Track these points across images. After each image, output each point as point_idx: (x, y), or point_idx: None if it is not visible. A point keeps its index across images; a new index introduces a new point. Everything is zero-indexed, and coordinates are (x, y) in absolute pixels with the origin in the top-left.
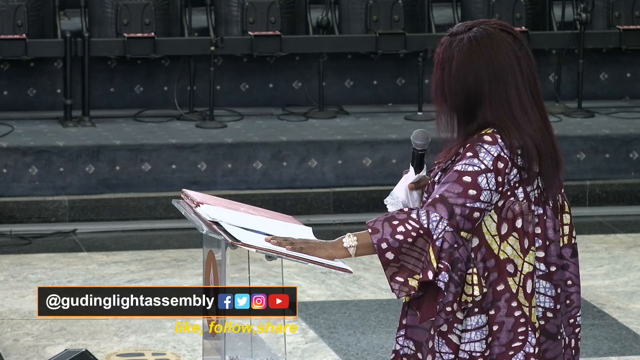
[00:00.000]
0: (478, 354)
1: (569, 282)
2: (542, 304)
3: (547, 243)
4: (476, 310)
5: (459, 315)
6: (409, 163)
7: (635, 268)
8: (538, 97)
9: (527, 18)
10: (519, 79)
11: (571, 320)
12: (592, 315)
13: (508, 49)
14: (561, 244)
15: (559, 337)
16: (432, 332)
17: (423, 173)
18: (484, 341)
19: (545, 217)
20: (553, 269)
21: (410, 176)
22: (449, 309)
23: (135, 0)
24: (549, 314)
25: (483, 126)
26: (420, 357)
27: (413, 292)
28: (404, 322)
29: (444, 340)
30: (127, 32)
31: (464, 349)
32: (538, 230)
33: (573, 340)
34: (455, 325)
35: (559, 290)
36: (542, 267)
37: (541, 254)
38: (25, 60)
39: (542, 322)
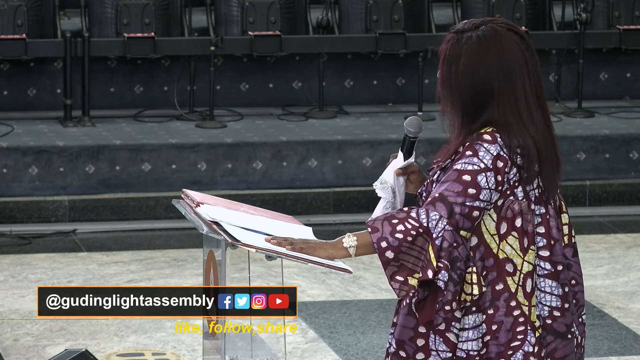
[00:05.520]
0: (475, 353)
1: (573, 281)
2: (548, 303)
3: (552, 242)
4: (474, 309)
5: (457, 314)
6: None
7: (635, 268)
8: (542, 98)
9: (527, 18)
10: (526, 79)
11: (580, 319)
12: (592, 315)
13: (516, 48)
14: (562, 244)
15: (569, 336)
16: (421, 330)
17: (412, 160)
18: (480, 340)
19: (548, 217)
20: (560, 267)
21: (398, 161)
22: (447, 307)
23: (135, 0)
24: (556, 313)
25: (486, 125)
26: (403, 356)
27: (413, 291)
28: (394, 320)
29: (441, 339)
30: (127, 32)
31: (462, 348)
32: (541, 230)
33: (583, 339)
34: (453, 323)
35: (566, 289)
36: (548, 266)
37: (546, 253)
38: (25, 60)
39: (550, 321)
